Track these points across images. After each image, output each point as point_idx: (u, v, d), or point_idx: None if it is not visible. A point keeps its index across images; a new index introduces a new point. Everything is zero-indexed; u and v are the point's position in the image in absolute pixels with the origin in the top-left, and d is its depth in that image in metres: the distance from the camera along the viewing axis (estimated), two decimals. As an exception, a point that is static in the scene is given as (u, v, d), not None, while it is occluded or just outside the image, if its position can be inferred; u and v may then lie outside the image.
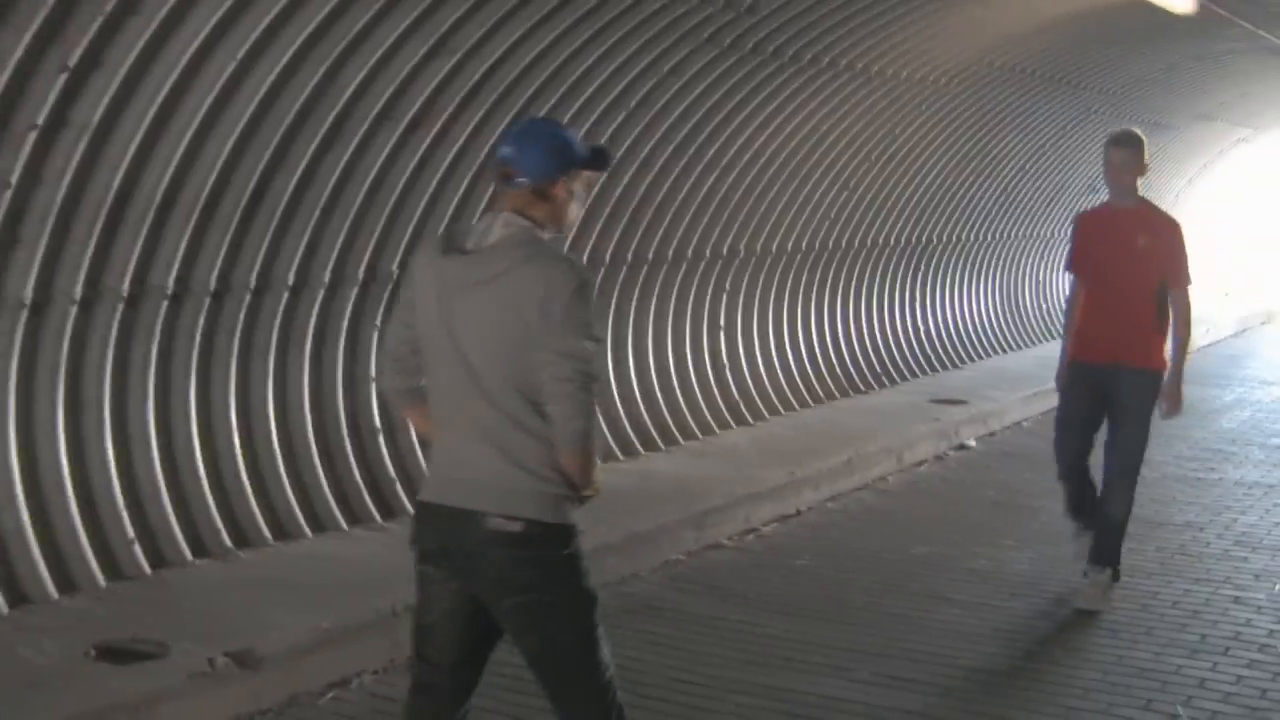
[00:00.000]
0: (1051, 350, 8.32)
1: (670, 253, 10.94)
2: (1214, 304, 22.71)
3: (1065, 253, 8.33)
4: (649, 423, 10.74)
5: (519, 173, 4.23)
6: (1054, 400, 8.38)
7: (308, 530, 8.09)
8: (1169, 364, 7.78)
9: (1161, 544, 9.09)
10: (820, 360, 13.49)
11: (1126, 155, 7.73)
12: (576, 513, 4.29)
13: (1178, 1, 12.68)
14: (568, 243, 9.19)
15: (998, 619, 7.55)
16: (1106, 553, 7.84)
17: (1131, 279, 7.72)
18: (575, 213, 4.39)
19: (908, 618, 7.58)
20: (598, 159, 4.45)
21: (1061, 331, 8.31)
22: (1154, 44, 15.58)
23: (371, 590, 7.09)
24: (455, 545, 4.26)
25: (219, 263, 7.53)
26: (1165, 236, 7.75)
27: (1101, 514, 7.87)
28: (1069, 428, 7.95)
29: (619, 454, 10.31)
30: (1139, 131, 7.86)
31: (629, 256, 10.49)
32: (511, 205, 4.24)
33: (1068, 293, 8.46)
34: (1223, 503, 10.37)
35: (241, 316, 7.81)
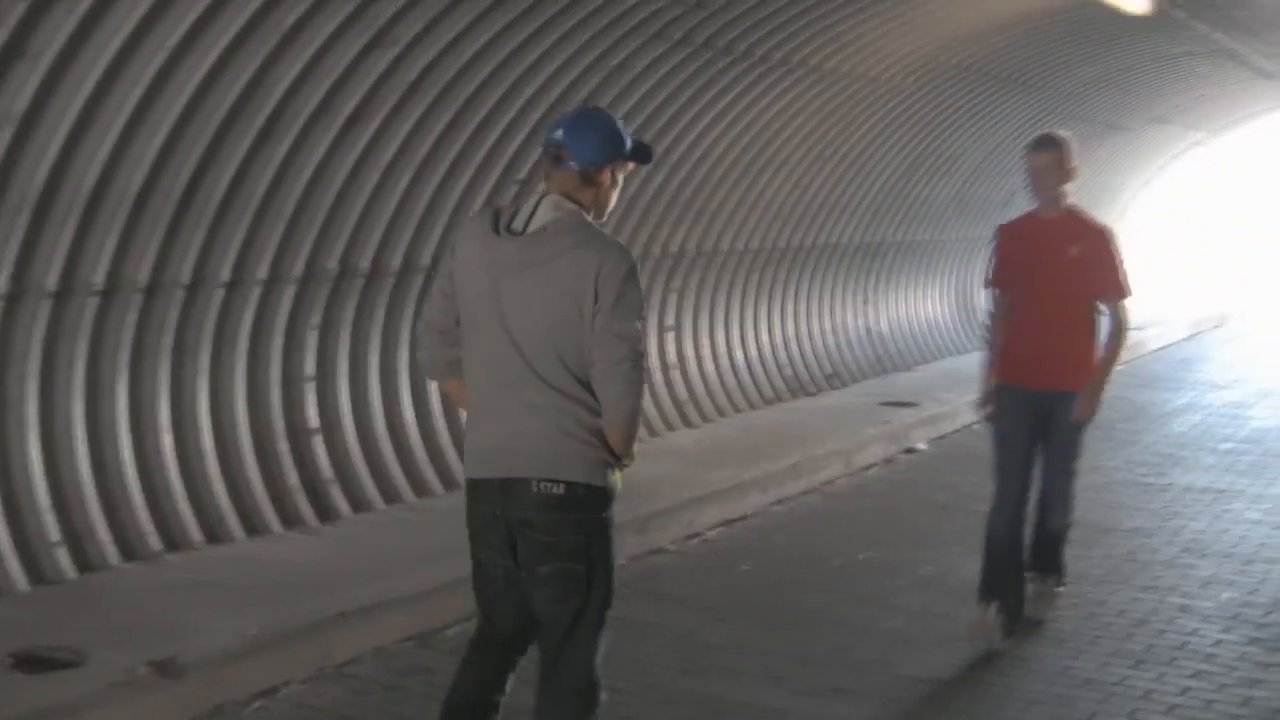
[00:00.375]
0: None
1: (618, 251, 10.79)
2: (1167, 306, 22.74)
3: (987, 267, 7.63)
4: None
5: (570, 156, 4.45)
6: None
7: (241, 533, 7.94)
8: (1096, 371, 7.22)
9: (1109, 550, 8.99)
10: (769, 361, 13.38)
11: (1048, 159, 7.12)
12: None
13: (1134, 2, 12.61)
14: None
15: (943, 627, 7.40)
16: (1049, 561, 7.56)
17: (1065, 293, 7.14)
18: (614, 201, 4.62)
19: (851, 625, 7.45)
20: (643, 153, 4.66)
21: (984, 351, 7.64)
22: (1110, 45, 15.52)
23: (303, 595, 6.97)
24: (505, 514, 4.46)
25: (151, 259, 7.37)
26: (1098, 245, 7.18)
27: (1042, 528, 7.49)
28: (1011, 449, 7.24)
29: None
30: (1064, 134, 7.29)
31: (575, 255, 10.32)
32: (559, 188, 4.48)
33: (989, 310, 7.76)
34: (1172, 509, 10.27)
35: (175, 314, 7.65)
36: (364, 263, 8.58)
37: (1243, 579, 8.45)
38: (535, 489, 4.39)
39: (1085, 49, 15.38)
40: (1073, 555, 8.49)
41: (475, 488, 4.56)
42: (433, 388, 9.31)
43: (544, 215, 4.43)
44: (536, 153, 9.34)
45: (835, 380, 14.30)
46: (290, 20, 7.13)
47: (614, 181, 4.55)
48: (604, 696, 4.65)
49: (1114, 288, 7.18)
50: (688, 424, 11.77)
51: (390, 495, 8.84)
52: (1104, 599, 7.97)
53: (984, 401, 7.43)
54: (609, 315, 4.31)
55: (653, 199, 10.83)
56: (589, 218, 4.48)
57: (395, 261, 8.79)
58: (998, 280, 7.45)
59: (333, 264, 8.38)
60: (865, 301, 15.33)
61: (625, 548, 8.41)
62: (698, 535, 9.15)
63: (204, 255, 7.63)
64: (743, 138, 11.47)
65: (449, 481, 9.21)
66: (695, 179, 11.21)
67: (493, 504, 4.50)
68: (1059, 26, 13.87)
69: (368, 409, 8.88)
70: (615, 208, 10.30)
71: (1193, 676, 6.79)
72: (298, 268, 8.18)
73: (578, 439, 4.39)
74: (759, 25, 10.29)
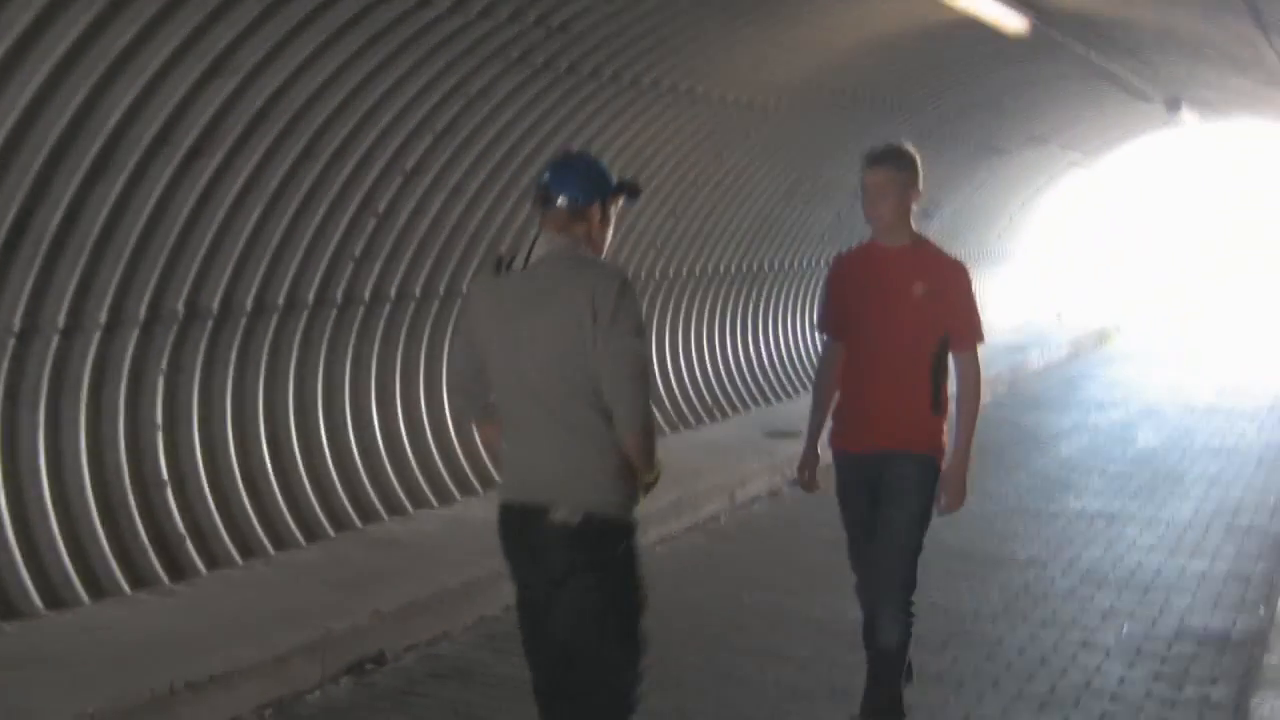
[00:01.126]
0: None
1: (487, 285, 10.34)
2: (1047, 326, 22.71)
3: (818, 307, 6.53)
4: (465, 464, 10.12)
5: (556, 195, 4.73)
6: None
7: (85, 596, 7.36)
8: (951, 445, 6.09)
9: (1004, 584, 8.70)
10: (649, 394, 12.95)
11: (885, 176, 5.95)
12: (641, 504, 4.75)
13: (1010, 22, 12.42)
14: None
15: (835, 676, 6.97)
16: (886, 700, 6.09)
17: (906, 339, 6.00)
18: (609, 237, 4.89)
19: (738, 677, 7.06)
20: (628, 188, 4.93)
21: (811, 408, 6.48)
22: (986, 67, 15.39)
23: (150, 665, 6.48)
24: (526, 539, 4.71)
25: (-23, 306, 6.83)
26: (949, 283, 6.05)
27: (872, 647, 6.11)
28: (854, 544, 6.31)
29: (432, 500, 9.69)
30: (908, 146, 6.10)
31: (440, 290, 9.87)
32: (552, 226, 4.74)
33: (821, 357, 6.65)
34: (1065, 536, 10.03)
35: (5, 363, 7.08)
36: (212, 303, 8.06)
37: (1142, 609, 8.21)
38: (554, 518, 4.60)
39: (961, 71, 15.24)
40: (969, 590, 8.25)
41: (502, 513, 4.83)
42: (291, 435, 8.83)
43: (540, 251, 4.68)
44: (395, 183, 8.91)
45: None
46: (119, 45, 6.63)
47: (605, 217, 4.81)
48: None
49: (966, 333, 6.08)
50: (565, 463, 11.34)
51: (247, 549, 8.31)
52: (1002, 636, 7.66)
53: (803, 464, 6.42)
54: (608, 332, 4.52)
55: (521, 229, 10.38)
56: (584, 250, 4.72)
57: (246, 300, 8.28)
58: (829, 323, 6.39)
59: (178, 305, 7.85)
60: (747, 330, 14.99)
61: (500, 597, 7.99)
62: (576, 581, 8.71)
63: (35, 299, 7.07)
64: (613, 165, 10.96)
65: (311, 533, 8.72)
66: (566, 208, 10.80)
67: (517, 527, 4.76)
68: (934, 48, 13.68)
69: (221, 458, 8.35)
70: (483, 238, 9.99)
71: (1100, 719, 6.48)
72: (140, 310, 7.64)
73: (597, 470, 4.61)
74: (625, 49, 9.93)
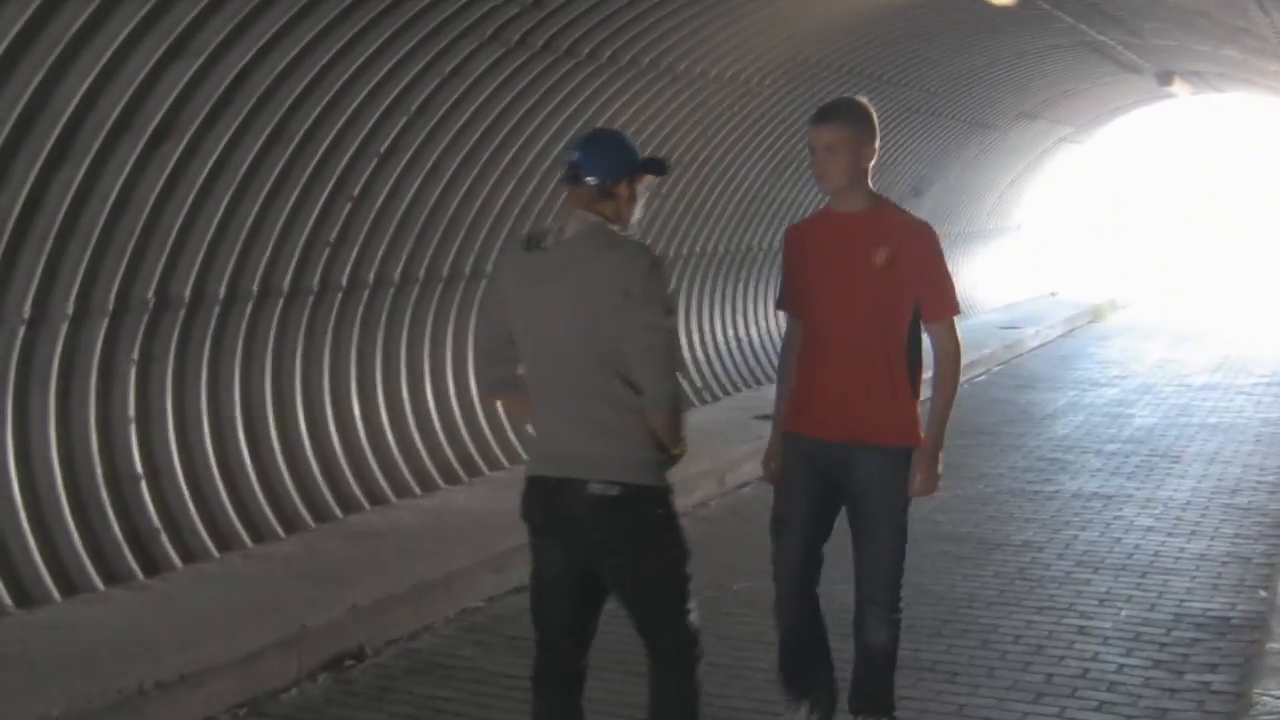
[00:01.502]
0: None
1: (468, 269, 10.14)
2: (1041, 303, 22.54)
3: (779, 282, 5.89)
4: (449, 451, 9.93)
5: (585, 173, 4.76)
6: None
7: (56, 594, 7.17)
8: (926, 430, 5.48)
9: (1000, 568, 8.50)
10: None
11: (835, 134, 5.32)
12: (670, 475, 4.78)
13: (999, -7, 12.24)
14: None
15: (825, 665, 6.83)
16: (876, 696, 5.65)
17: (869, 313, 5.38)
18: (639, 213, 4.90)
19: (727, 667, 6.84)
20: (655, 165, 4.98)
21: (776, 392, 5.83)
22: (975, 40, 15.20)
23: (120, 664, 6.31)
24: (560, 512, 4.76)
25: (-61, 298, 6.62)
26: (915, 249, 5.41)
27: (861, 647, 5.62)
28: (786, 533, 5.60)
29: (416, 488, 9.50)
30: (860, 99, 5.47)
31: (420, 274, 9.67)
32: (581, 204, 4.79)
33: (784, 337, 5.87)
34: (1062, 518, 9.82)
35: (-30, 356, 6.90)
36: (184, 291, 7.86)
37: (1140, 593, 8.02)
38: (590, 490, 4.66)
39: (949, 44, 15.04)
40: (963, 575, 8.07)
41: (532, 485, 4.86)
42: (268, 424, 8.64)
43: (570, 229, 4.73)
44: (370, 165, 8.71)
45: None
46: (75, 26, 6.42)
47: (632, 194, 4.83)
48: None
49: (939, 304, 5.46)
50: (551, 449, 11.14)
51: (224, 542, 8.12)
52: (997, 624, 7.46)
53: (769, 455, 5.77)
54: (637, 308, 4.58)
55: (501, 211, 10.18)
56: (613, 228, 4.75)
57: (219, 288, 8.08)
58: (786, 300, 5.72)
59: (148, 294, 7.65)
60: (735, 312, 14.78)
61: (482, 588, 7.87)
62: (561, 571, 8.51)
63: (-3, 291, 6.90)
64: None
65: (290, 524, 8.53)
66: (545, 190, 10.55)
67: (548, 500, 4.79)
68: (922, 21, 13.49)
69: (196, 450, 8.16)
70: (462, 221, 9.79)
71: (1097, 709, 6.32)
72: (108, 299, 7.44)
73: (627, 441, 4.66)
74: (602, 26, 9.73)
